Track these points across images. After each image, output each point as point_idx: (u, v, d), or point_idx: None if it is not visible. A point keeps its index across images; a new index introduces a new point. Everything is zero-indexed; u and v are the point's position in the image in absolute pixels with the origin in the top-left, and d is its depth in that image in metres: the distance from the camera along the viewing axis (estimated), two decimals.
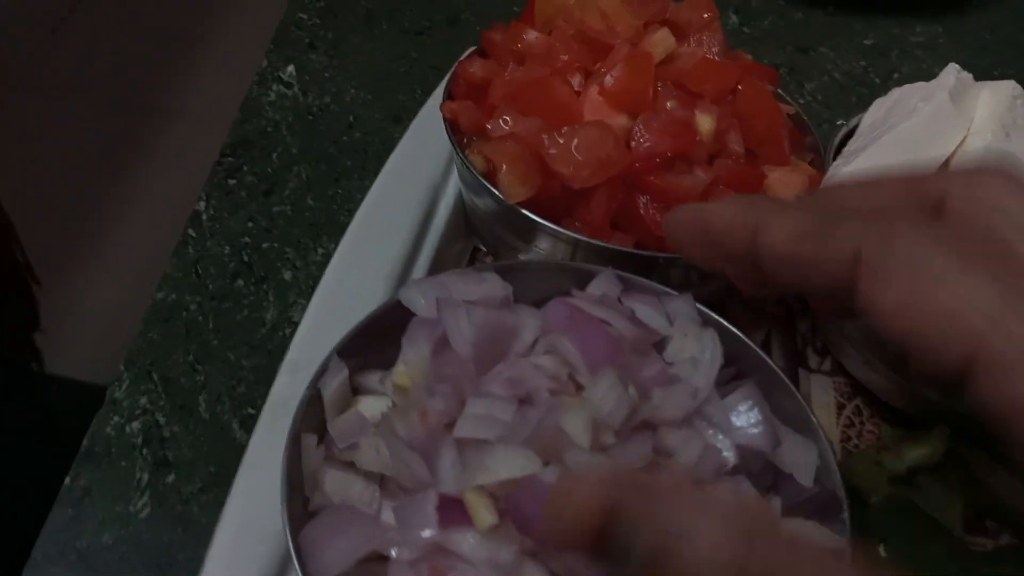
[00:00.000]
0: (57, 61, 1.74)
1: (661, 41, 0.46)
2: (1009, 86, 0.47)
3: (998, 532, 0.45)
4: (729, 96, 0.47)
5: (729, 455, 0.34)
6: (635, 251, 0.43)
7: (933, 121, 0.46)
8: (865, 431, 0.49)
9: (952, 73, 0.50)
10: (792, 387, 0.37)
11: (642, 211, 0.44)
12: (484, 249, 0.53)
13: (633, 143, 0.43)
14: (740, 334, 0.39)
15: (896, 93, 0.51)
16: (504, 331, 0.36)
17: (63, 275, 1.32)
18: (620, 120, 0.44)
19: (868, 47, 0.82)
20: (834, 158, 0.49)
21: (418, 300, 0.37)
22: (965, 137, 0.45)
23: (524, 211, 0.43)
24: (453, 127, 0.47)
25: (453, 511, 0.30)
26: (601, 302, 0.37)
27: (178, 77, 1.69)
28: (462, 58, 0.50)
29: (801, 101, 0.74)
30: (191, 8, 1.80)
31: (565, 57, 0.47)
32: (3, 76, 1.66)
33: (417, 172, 0.51)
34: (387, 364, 0.37)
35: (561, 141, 0.43)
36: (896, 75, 0.79)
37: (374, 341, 0.38)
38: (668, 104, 0.44)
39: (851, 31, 0.83)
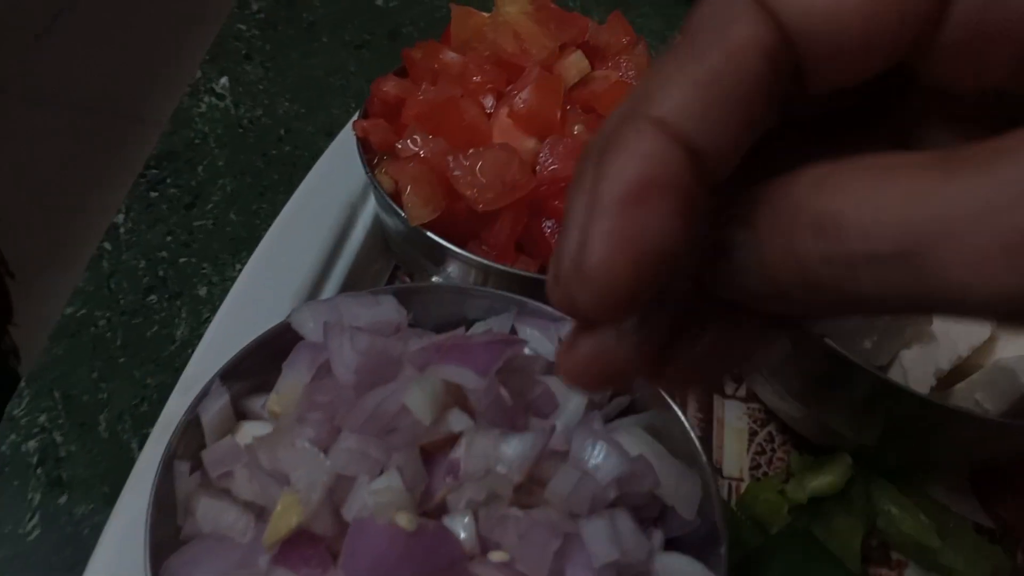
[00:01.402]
0: (40, 67, 1.72)
1: (574, 64, 0.46)
2: None
3: (903, 564, 0.45)
4: None
5: (610, 488, 0.34)
6: (538, 276, 0.42)
7: None
8: (775, 458, 0.49)
9: None
10: (683, 419, 0.37)
11: (547, 235, 0.43)
12: (403, 268, 0.53)
13: (539, 167, 0.43)
14: None
15: None
16: (390, 358, 0.35)
17: (41, 279, 1.30)
18: (528, 143, 0.44)
19: None
20: None
21: (307, 323, 0.37)
22: None
23: (428, 233, 0.43)
24: (365, 145, 0.46)
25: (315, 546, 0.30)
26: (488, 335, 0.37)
27: (156, 85, 1.68)
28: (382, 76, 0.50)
29: None
30: (175, 16, 1.78)
31: (478, 78, 0.46)
32: None
33: (335, 188, 0.51)
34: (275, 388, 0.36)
35: (466, 163, 0.42)
36: None
37: (266, 363, 0.37)
38: (575, 128, 0.44)
39: None
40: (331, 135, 0.62)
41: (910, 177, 0.13)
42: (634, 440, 0.36)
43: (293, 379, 0.34)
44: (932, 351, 0.42)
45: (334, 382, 0.34)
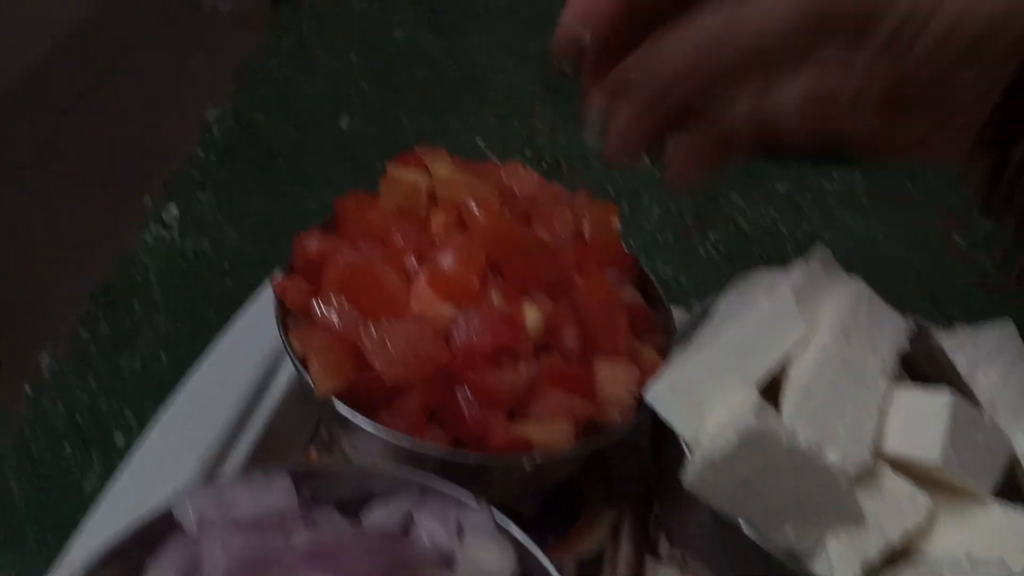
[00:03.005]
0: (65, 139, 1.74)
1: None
2: (856, 285, 0.46)
3: None
4: (567, 286, 0.45)
5: None
6: (444, 455, 0.41)
7: (772, 318, 0.44)
8: None
9: (815, 258, 0.49)
10: None
11: (462, 406, 0.42)
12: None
13: (453, 338, 0.42)
14: (535, 551, 0.37)
15: (752, 276, 0.50)
16: (267, 559, 0.33)
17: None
18: (445, 310, 0.43)
19: (780, 195, 0.82)
20: None
21: (186, 513, 0.35)
22: (805, 336, 0.44)
23: (335, 402, 0.41)
24: (283, 304, 0.45)
25: None
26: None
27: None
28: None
29: (702, 253, 0.73)
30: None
31: (401, 241, 0.46)
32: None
33: (258, 341, 0.50)
34: None
35: (376, 336, 0.41)
36: (806, 225, 0.79)
37: (145, 552, 0.36)
38: (494, 297, 0.43)
39: (764, 176, 0.83)
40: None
41: None
42: None
43: None
44: (860, 538, 0.40)
45: None
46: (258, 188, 0.69)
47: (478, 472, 0.42)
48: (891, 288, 0.63)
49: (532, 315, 0.43)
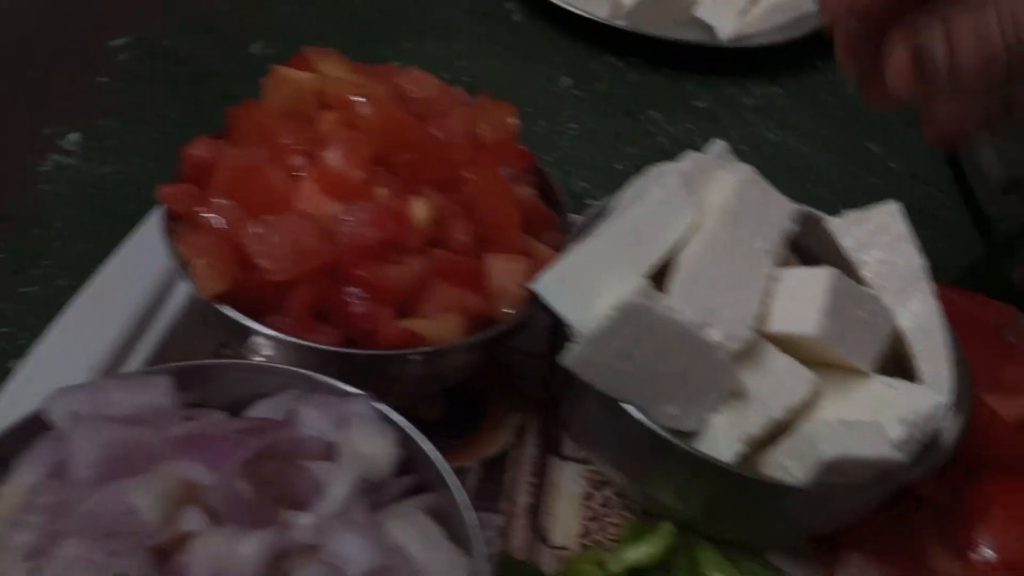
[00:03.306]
0: None
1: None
2: (745, 170, 0.46)
3: None
4: (460, 182, 0.45)
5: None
6: (333, 349, 0.41)
7: (662, 207, 0.45)
8: (609, 523, 0.47)
9: (711, 150, 0.49)
10: (462, 502, 0.35)
11: (349, 303, 0.42)
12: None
13: (338, 233, 0.42)
14: (419, 439, 0.37)
15: (652, 171, 0.50)
16: (140, 452, 0.33)
17: None
18: (331, 207, 0.43)
19: (699, 110, 0.82)
20: None
21: (60, 411, 0.35)
22: (696, 223, 0.44)
23: (218, 306, 0.41)
24: (171, 212, 0.45)
25: None
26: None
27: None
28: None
29: (619, 167, 0.73)
30: None
31: (288, 141, 0.45)
32: None
33: (154, 256, 0.49)
34: None
35: (259, 231, 0.41)
36: (724, 139, 0.79)
37: (20, 449, 0.35)
38: (379, 192, 0.43)
39: (684, 93, 0.83)
40: None
41: None
42: (405, 526, 0.34)
43: (23, 476, 0.32)
44: (743, 414, 0.41)
45: (68, 481, 0.32)
46: (166, 113, 0.67)
47: (370, 368, 0.42)
48: (807, 195, 0.64)
49: (420, 209, 0.43)
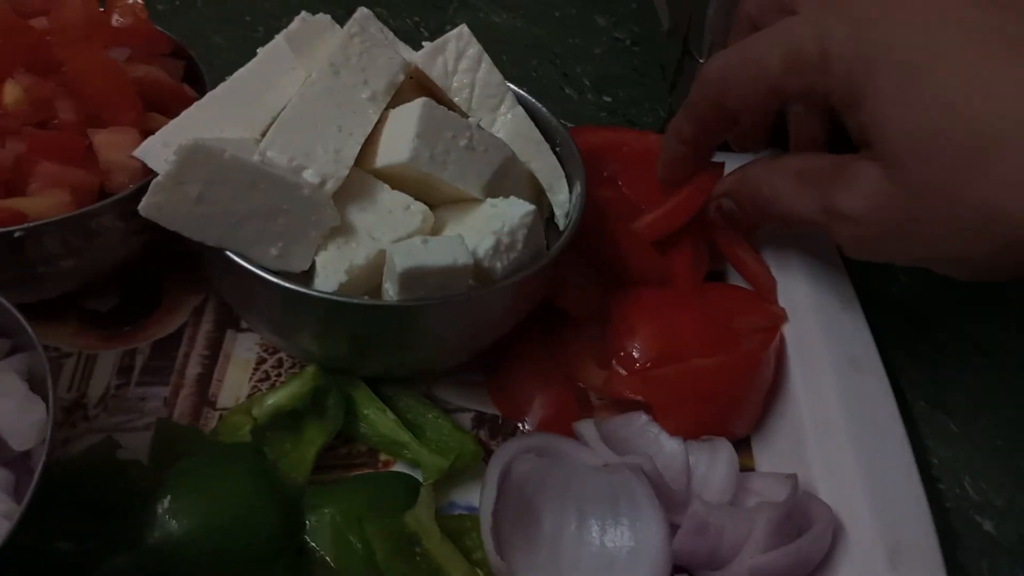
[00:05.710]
0: None
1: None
2: (352, 27, 0.47)
3: (391, 463, 0.46)
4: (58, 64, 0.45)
5: None
6: None
7: (267, 65, 0.46)
8: (279, 383, 0.49)
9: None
10: (43, 357, 0.36)
11: None
12: None
13: None
14: (11, 309, 0.38)
15: None
16: None
17: None
18: None
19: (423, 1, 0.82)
20: None
21: None
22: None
23: None
24: None
25: None
26: None
27: None
28: None
29: None
30: None
31: None
32: None
33: None
34: None
35: None
36: (449, 27, 0.80)
37: None
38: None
39: None
40: None
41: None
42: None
43: None
44: (348, 248, 0.42)
45: None
46: None
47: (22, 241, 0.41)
48: (532, 72, 0.65)
49: (12, 91, 0.43)
